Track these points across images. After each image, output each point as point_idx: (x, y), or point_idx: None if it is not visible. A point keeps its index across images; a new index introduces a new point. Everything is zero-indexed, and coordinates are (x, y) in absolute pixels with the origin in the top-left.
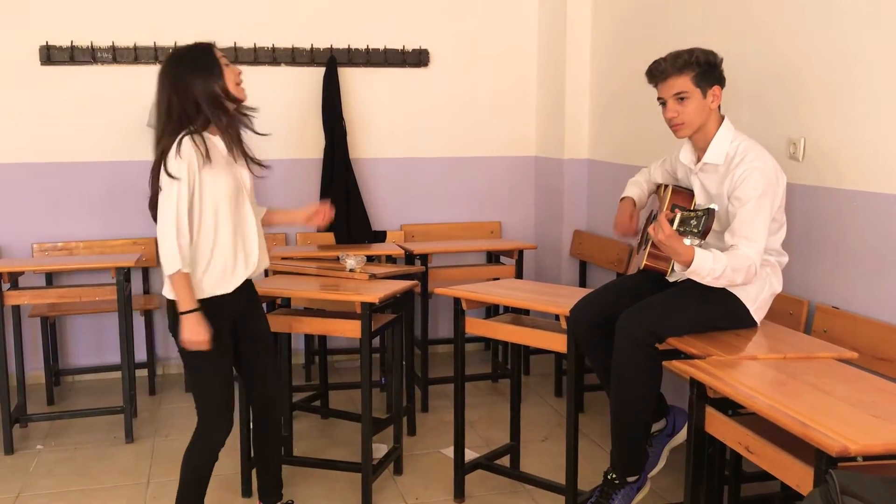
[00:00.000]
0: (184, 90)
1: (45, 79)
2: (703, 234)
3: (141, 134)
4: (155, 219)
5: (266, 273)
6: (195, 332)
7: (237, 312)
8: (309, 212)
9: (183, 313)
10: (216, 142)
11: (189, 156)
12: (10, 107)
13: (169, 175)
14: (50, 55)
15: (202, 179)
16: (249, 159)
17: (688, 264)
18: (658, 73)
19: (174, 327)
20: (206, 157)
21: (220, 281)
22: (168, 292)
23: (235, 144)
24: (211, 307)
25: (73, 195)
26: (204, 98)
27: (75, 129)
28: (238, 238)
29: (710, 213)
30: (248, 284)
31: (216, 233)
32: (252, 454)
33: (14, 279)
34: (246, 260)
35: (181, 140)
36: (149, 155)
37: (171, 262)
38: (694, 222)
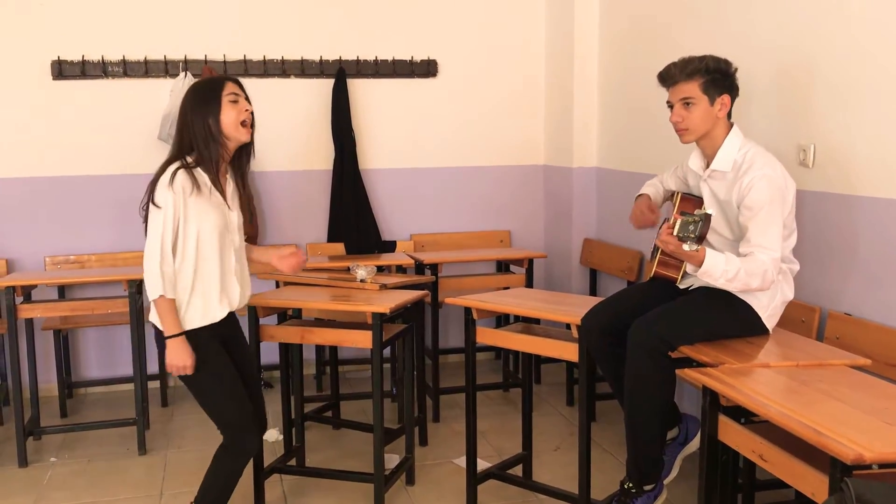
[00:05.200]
0: (183, 122)
1: (56, 93)
2: (699, 239)
3: (152, 147)
4: (146, 224)
5: (277, 284)
6: (179, 357)
7: (223, 337)
8: (283, 253)
9: (168, 338)
10: (208, 178)
11: (178, 187)
12: (22, 121)
13: (155, 204)
14: (61, 69)
15: (187, 213)
16: (239, 200)
17: (699, 265)
18: (668, 77)
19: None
20: (196, 190)
21: (202, 314)
22: (155, 319)
23: (215, 185)
24: (195, 336)
25: (85, 208)
26: (197, 133)
27: (87, 142)
28: (221, 275)
29: (706, 218)
30: (230, 316)
31: (197, 266)
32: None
33: (27, 292)
34: (228, 299)
35: (175, 171)
36: None
37: (154, 286)
38: (692, 227)
